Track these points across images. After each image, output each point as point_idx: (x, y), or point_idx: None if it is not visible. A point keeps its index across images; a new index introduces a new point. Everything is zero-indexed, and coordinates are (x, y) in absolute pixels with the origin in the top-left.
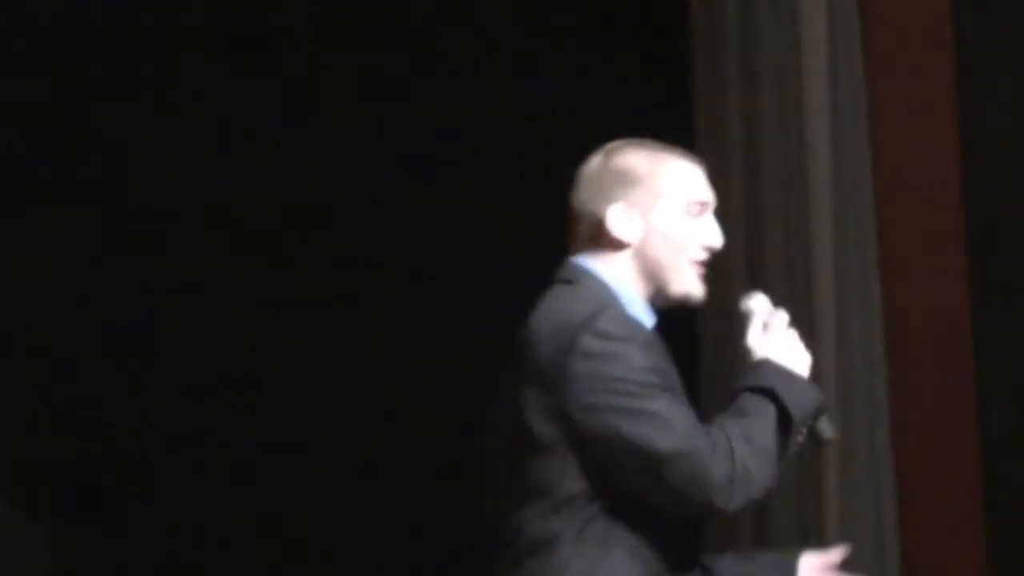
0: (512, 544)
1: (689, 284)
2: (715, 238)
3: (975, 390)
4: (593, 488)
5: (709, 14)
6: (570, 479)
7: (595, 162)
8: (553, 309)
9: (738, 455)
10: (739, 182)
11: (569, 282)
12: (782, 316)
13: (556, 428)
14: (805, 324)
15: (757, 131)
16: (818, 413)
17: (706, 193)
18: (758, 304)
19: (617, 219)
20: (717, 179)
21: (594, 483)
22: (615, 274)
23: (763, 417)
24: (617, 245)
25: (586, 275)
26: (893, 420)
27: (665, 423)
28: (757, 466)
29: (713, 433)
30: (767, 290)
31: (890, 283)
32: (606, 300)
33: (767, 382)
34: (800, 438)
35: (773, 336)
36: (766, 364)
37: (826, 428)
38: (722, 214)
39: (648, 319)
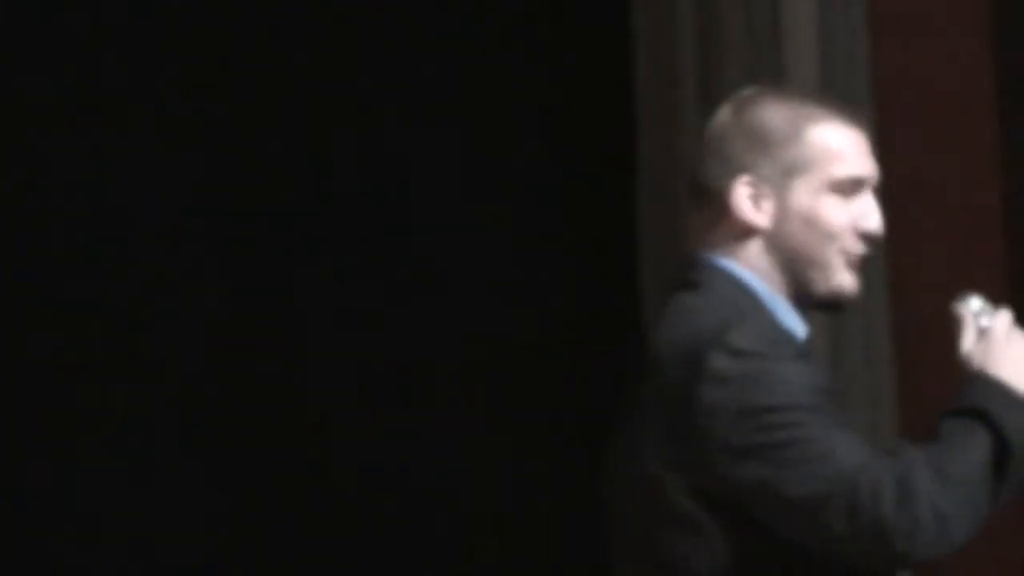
0: None
1: (839, 280)
2: (873, 223)
3: None
4: (743, 562)
5: None
6: (710, 553)
7: (722, 120)
8: (677, 323)
9: (923, 492)
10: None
11: (695, 284)
12: (1005, 317)
13: (691, 483)
14: None
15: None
16: None
17: (865, 165)
18: (972, 305)
19: (743, 197)
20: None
21: (744, 556)
22: (752, 270)
23: (967, 445)
24: (747, 231)
25: (716, 273)
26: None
27: (829, 456)
28: (953, 504)
29: (891, 462)
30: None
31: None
32: (742, 305)
33: (977, 401)
34: (1011, 484)
35: (995, 344)
36: (979, 379)
37: None
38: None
39: (800, 327)
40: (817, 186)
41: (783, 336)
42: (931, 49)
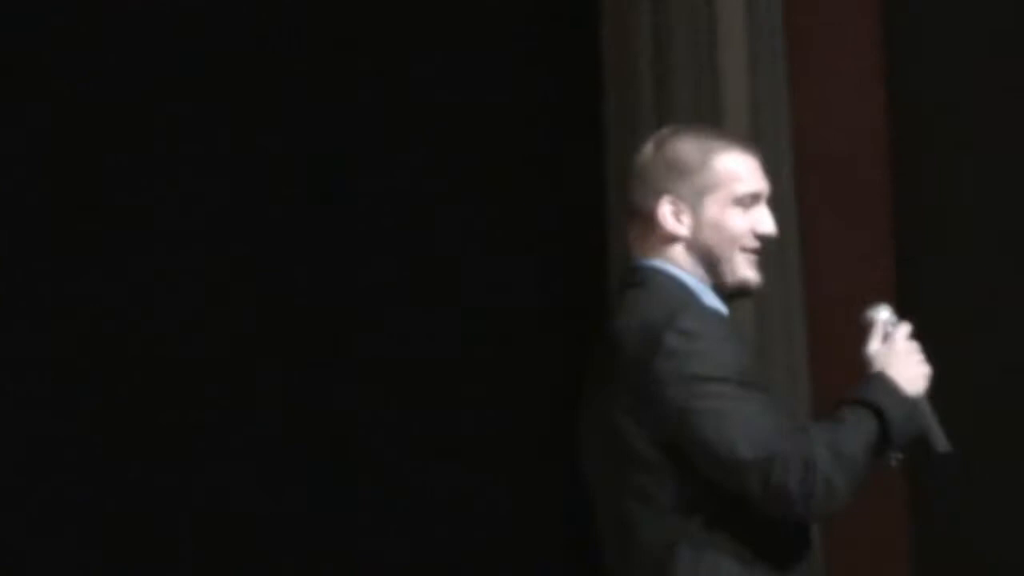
0: (625, 554)
1: (743, 272)
2: (767, 227)
3: None
4: (694, 493)
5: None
6: (668, 487)
7: (646, 154)
8: (631, 314)
9: (820, 466)
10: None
11: (640, 283)
12: (904, 329)
13: (649, 435)
14: None
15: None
16: (924, 431)
17: (759, 183)
18: (881, 315)
19: (667, 214)
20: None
21: (694, 488)
22: (680, 268)
23: (859, 431)
24: (671, 239)
25: (654, 274)
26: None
27: (748, 426)
28: (841, 478)
29: (799, 439)
30: None
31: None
32: (683, 296)
33: (873, 397)
34: (894, 461)
35: (893, 349)
36: (878, 378)
37: (937, 440)
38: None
39: (724, 309)
40: (723, 201)
41: (719, 318)
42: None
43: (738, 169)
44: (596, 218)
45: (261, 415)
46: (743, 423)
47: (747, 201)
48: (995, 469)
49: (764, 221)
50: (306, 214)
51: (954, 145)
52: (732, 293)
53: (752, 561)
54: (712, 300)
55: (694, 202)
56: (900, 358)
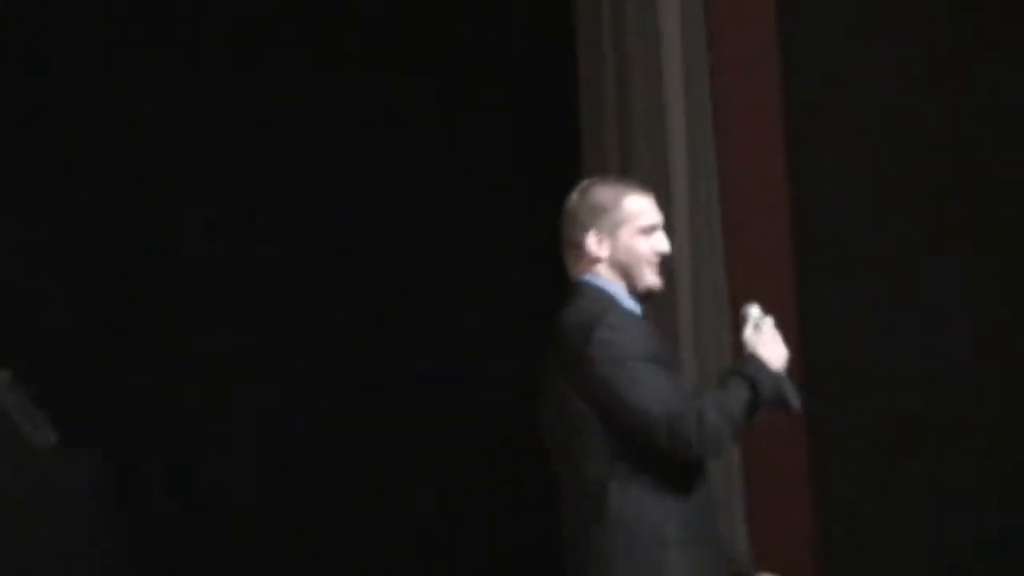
0: (572, 495)
1: (649, 280)
2: (664, 247)
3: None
4: (619, 445)
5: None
6: (601, 441)
7: (572, 200)
8: (571, 314)
9: (708, 420)
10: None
11: (576, 294)
12: (769, 321)
13: (585, 403)
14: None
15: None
16: (783, 395)
17: (656, 216)
18: (752, 312)
19: (591, 244)
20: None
21: (619, 441)
22: (604, 281)
23: (737, 396)
24: (596, 261)
25: (587, 287)
26: None
27: (656, 392)
28: (723, 430)
29: (694, 402)
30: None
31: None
32: (608, 301)
33: (747, 370)
34: (757, 415)
35: (761, 336)
36: (751, 357)
37: (792, 399)
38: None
39: (637, 310)
40: (631, 231)
41: (634, 316)
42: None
43: (641, 207)
44: None
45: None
46: (653, 390)
47: (648, 230)
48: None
49: (661, 243)
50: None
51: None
52: (642, 295)
53: (663, 492)
54: (628, 302)
55: (611, 233)
56: (767, 342)
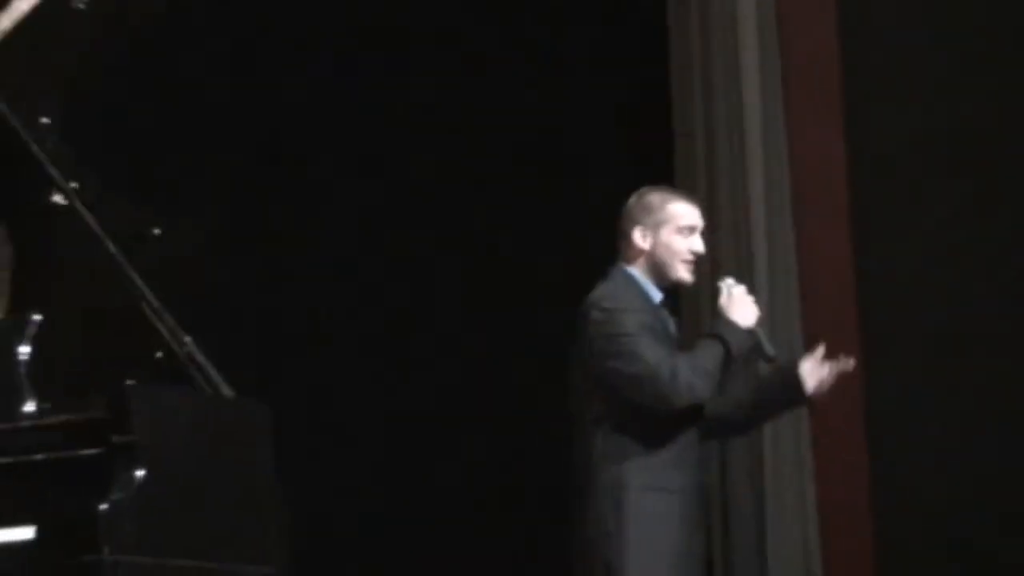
0: (585, 451)
1: (681, 274)
2: (698, 248)
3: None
4: (620, 408)
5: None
6: (594, 401)
7: (630, 201)
8: (594, 292)
9: (681, 376)
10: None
11: (606, 278)
12: (740, 288)
13: (589, 372)
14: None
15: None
16: (755, 347)
17: (695, 220)
18: (726, 283)
19: (637, 237)
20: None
21: (620, 405)
22: (637, 268)
23: (710, 352)
24: (640, 252)
25: (617, 271)
26: None
27: (640, 358)
28: (698, 382)
29: (671, 362)
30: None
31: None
32: (621, 284)
33: (718, 330)
34: (734, 366)
35: (733, 301)
36: (721, 318)
37: (767, 349)
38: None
39: (655, 294)
40: (671, 230)
41: (631, 298)
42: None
43: (682, 211)
44: None
45: None
46: (639, 356)
47: (686, 231)
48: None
49: (696, 244)
50: None
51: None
52: (672, 288)
53: (633, 444)
54: (651, 291)
55: (655, 230)
56: (736, 305)
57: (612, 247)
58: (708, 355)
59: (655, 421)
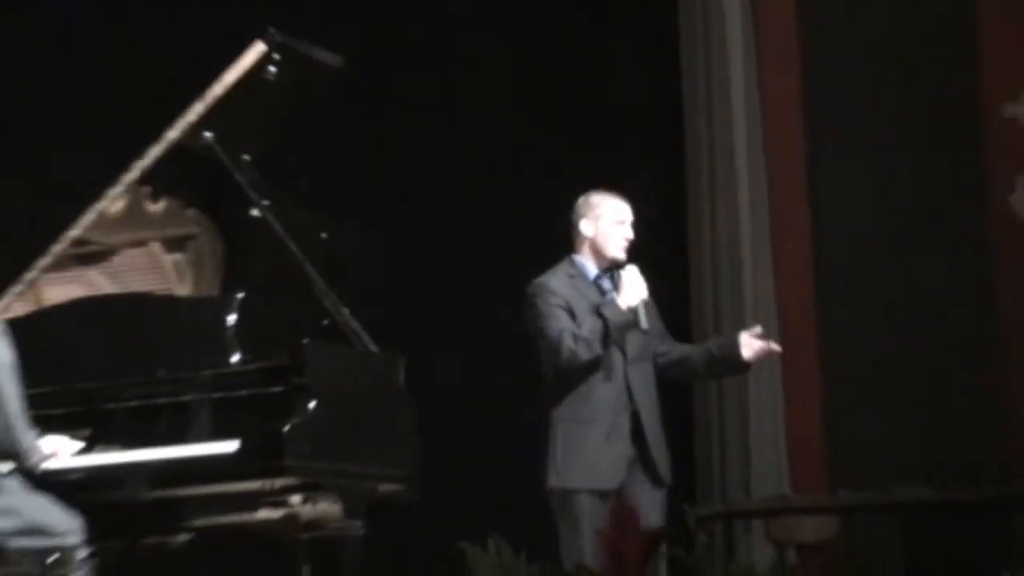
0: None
1: (615, 253)
2: (628, 235)
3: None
4: (546, 367)
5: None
6: (541, 367)
7: (578, 200)
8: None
9: (567, 344)
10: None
11: (560, 263)
12: (632, 269)
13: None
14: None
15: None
16: (629, 321)
17: (626, 214)
18: (626, 269)
19: (582, 227)
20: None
21: (545, 365)
22: (579, 252)
23: (588, 325)
24: (584, 239)
25: (562, 261)
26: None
27: (543, 334)
28: (578, 349)
29: (560, 336)
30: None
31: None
32: (554, 272)
33: (603, 311)
34: (615, 338)
35: (623, 285)
36: (608, 301)
37: (641, 323)
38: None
39: (591, 272)
40: (609, 222)
41: (565, 281)
42: None
43: (617, 206)
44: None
45: None
46: (544, 332)
47: (620, 222)
48: None
49: (627, 232)
50: None
51: None
52: (610, 266)
53: (558, 387)
54: (591, 272)
55: (596, 221)
56: (624, 288)
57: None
58: (587, 327)
59: (566, 374)
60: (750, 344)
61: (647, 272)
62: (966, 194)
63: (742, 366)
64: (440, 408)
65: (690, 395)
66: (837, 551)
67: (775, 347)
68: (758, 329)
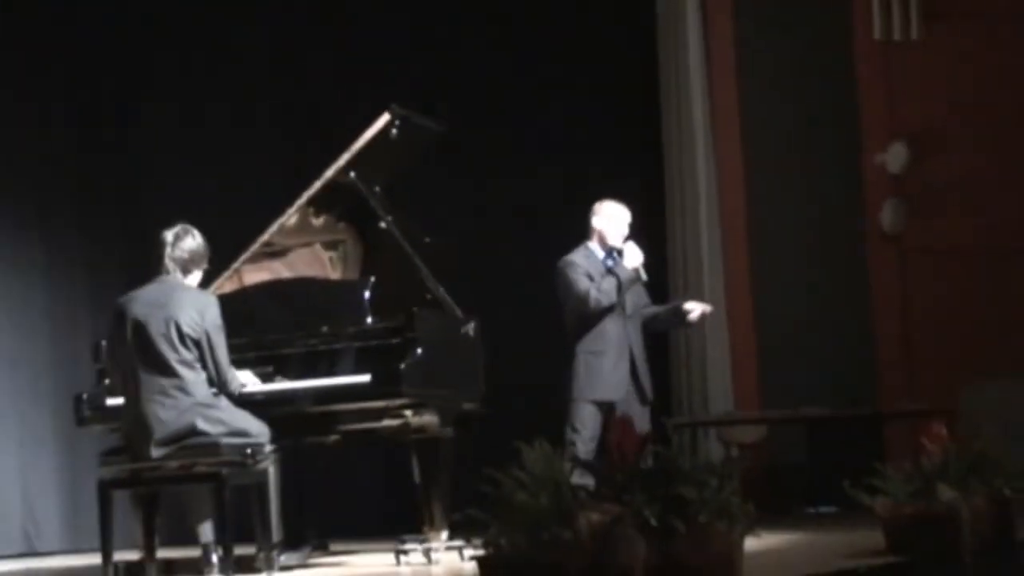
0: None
1: (614, 242)
2: (625, 231)
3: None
4: (571, 314)
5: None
6: (567, 316)
7: (595, 206)
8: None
9: (591, 297)
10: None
11: (573, 249)
12: (631, 244)
13: (561, 301)
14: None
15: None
16: (635, 277)
17: (626, 217)
18: (627, 244)
19: (596, 225)
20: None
21: (571, 312)
22: (593, 240)
23: (608, 282)
24: (596, 231)
25: (580, 246)
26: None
27: (579, 283)
28: (601, 297)
29: (587, 289)
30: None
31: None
32: (575, 253)
33: (614, 270)
34: (625, 288)
35: (627, 253)
36: (618, 264)
37: (643, 277)
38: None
39: (600, 254)
40: (614, 223)
41: (581, 259)
42: None
43: (619, 212)
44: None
45: None
46: (574, 284)
47: (621, 222)
48: None
49: (624, 229)
50: None
51: None
52: (611, 250)
53: (580, 329)
54: (598, 252)
55: (604, 221)
56: (628, 255)
57: None
58: (606, 284)
59: (586, 317)
60: (694, 310)
61: (642, 244)
62: (850, 210)
63: (685, 323)
64: (502, 352)
65: (667, 345)
66: (765, 449)
67: (708, 308)
68: (700, 304)
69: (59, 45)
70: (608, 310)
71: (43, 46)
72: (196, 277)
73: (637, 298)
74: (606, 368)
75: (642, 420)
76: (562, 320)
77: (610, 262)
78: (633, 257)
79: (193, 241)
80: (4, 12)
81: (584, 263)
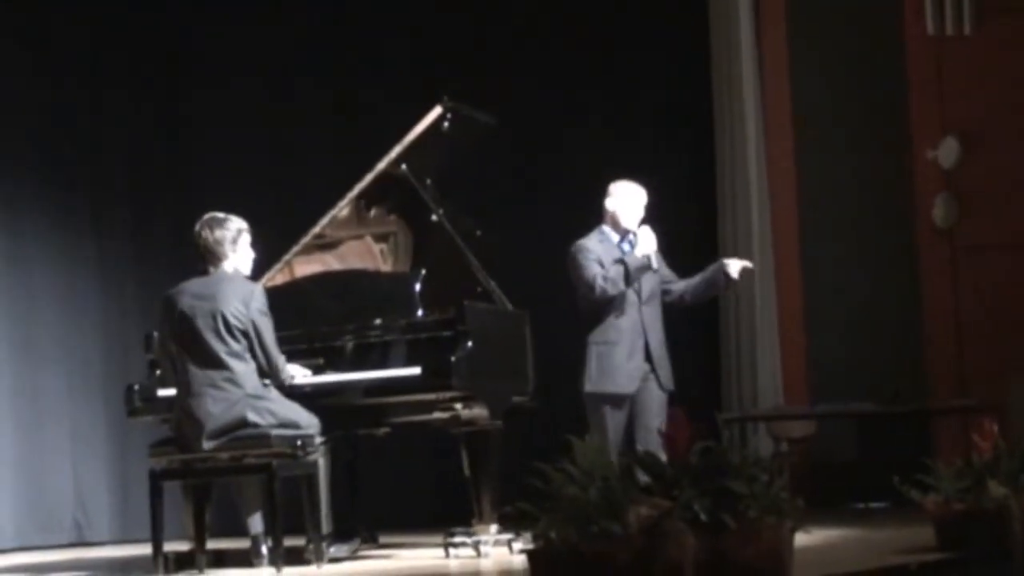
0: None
1: (630, 225)
2: (640, 213)
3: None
4: (583, 302)
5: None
6: (580, 303)
7: (610, 187)
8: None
9: (597, 285)
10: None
11: (593, 232)
12: (645, 229)
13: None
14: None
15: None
16: (644, 265)
17: (642, 197)
18: (641, 229)
19: (609, 205)
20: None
21: (582, 300)
22: (607, 223)
23: (615, 270)
24: (610, 214)
25: (597, 231)
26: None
27: (587, 269)
28: (607, 287)
29: (594, 278)
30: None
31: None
32: (588, 237)
33: (624, 258)
34: (634, 277)
35: (640, 239)
36: (628, 253)
37: (653, 264)
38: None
39: (614, 237)
40: (628, 204)
41: (594, 244)
42: None
43: (634, 192)
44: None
45: None
46: (583, 276)
47: (636, 204)
48: None
49: (639, 211)
50: None
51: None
52: (626, 232)
53: (591, 317)
54: (614, 237)
55: (616, 203)
56: (640, 241)
57: None
58: (613, 271)
59: (597, 308)
60: (733, 264)
61: (692, 248)
62: (901, 206)
63: (728, 283)
64: (553, 346)
65: (717, 341)
66: (814, 444)
67: (749, 264)
68: (737, 262)
69: (112, 46)
70: (619, 298)
71: (96, 48)
72: (240, 257)
73: (655, 282)
74: (619, 360)
75: (660, 408)
76: None
77: (626, 246)
78: (647, 242)
79: (210, 233)
80: (67, 26)
81: (597, 248)
